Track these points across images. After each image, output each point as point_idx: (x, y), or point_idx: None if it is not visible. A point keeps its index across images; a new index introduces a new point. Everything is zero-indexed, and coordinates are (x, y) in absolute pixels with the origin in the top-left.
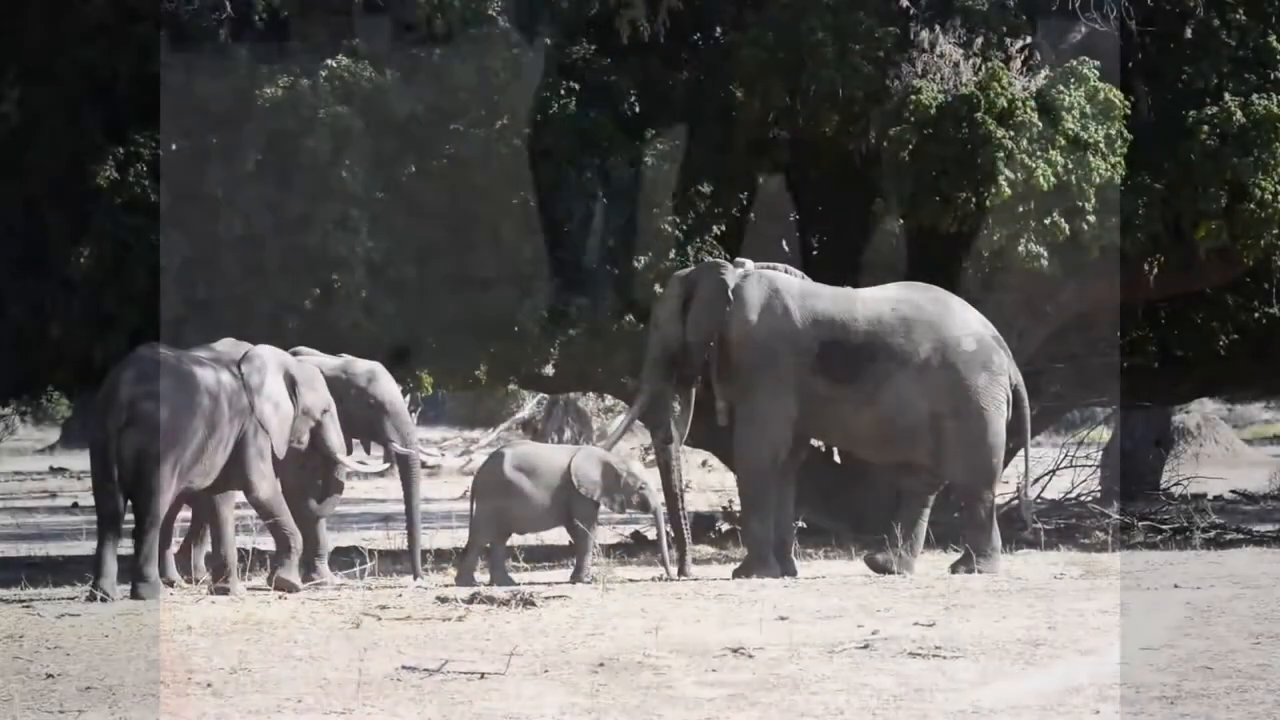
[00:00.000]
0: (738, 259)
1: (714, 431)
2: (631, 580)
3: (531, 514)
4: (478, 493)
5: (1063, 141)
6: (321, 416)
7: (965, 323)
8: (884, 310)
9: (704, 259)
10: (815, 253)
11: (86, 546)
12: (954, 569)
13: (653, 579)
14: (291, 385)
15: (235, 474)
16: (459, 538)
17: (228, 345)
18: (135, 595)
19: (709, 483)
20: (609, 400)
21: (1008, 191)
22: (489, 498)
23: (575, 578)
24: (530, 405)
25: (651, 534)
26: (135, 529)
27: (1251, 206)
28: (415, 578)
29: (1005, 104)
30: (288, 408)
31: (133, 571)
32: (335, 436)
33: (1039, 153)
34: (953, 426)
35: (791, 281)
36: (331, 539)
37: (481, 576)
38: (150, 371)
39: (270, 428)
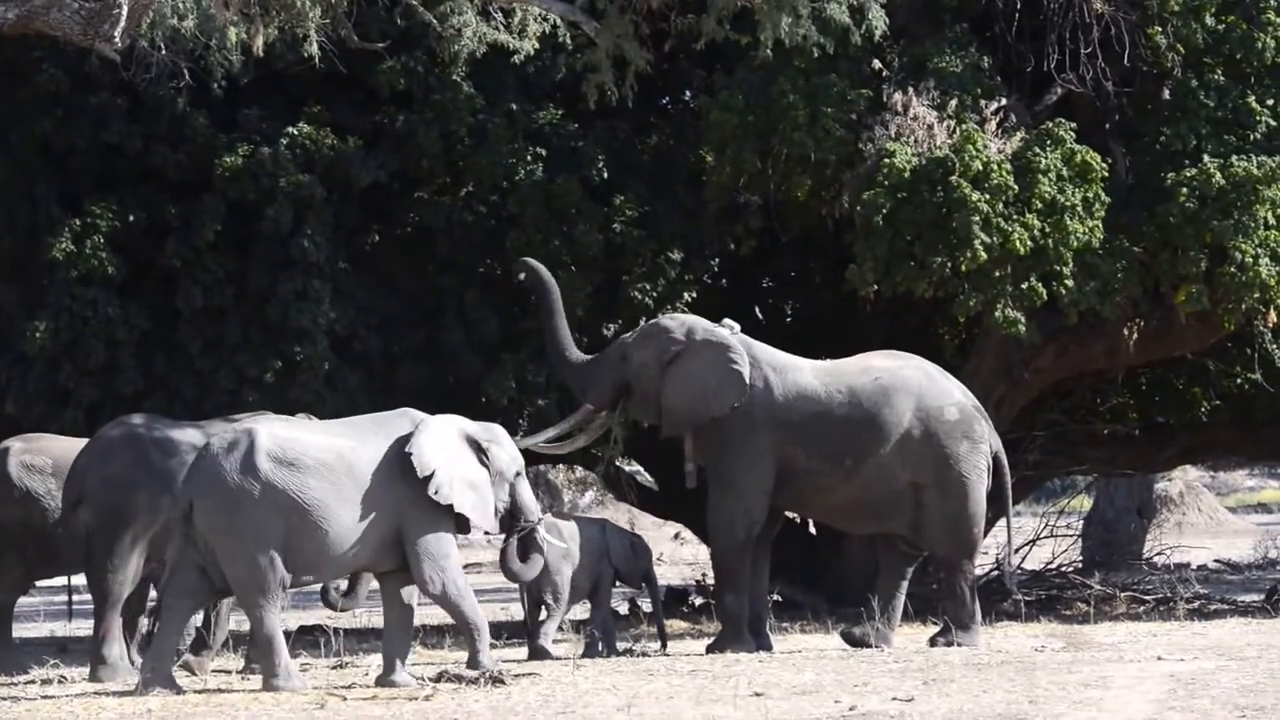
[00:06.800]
0: (726, 321)
1: (687, 504)
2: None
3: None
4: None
5: (1039, 205)
6: None
7: (947, 391)
8: (864, 381)
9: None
10: (789, 319)
11: (43, 628)
12: (933, 642)
13: (624, 651)
14: None
15: None
16: (430, 615)
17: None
18: (94, 678)
19: (682, 555)
20: (580, 472)
21: (984, 256)
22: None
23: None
24: None
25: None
26: (94, 609)
27: (1232, 270)
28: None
29: (980, 167)
30: None
31: (91, 653)
32: None
33: (1015, 216)
34: (934, 497)
35: (772, 353)
36: (295, 617)
37: (453, 654)
38: (110, 447)
39: None
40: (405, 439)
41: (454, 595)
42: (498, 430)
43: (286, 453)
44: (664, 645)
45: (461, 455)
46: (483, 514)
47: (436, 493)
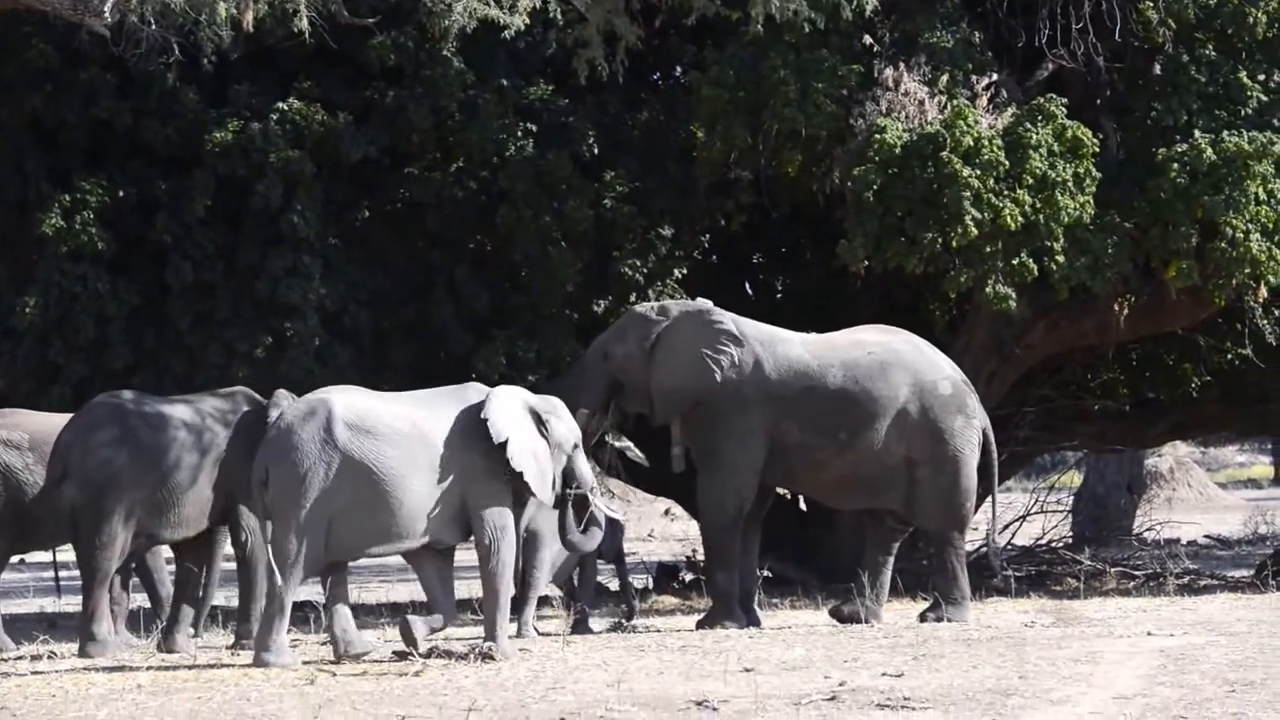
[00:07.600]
0: (700, 299)
1: (677, 479)
2: (593, 630)
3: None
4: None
5: (1030, 180)
6: None
7: (938, 366)
8: (858, 355)
9: (665, 299)
10: (779, 295)
11: (32, 604)
12: (923, 617)
13: (610, 628)
14: None
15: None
16: (416, 592)
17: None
18: (83, 654)
19: (672, 532)
20: None
21: (974, 231)
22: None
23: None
24: None
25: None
26: (82, 585)
27: (1223, 245)
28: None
29: (971, 142)
30: None
31: (80, 629)
32: None
33: (1006, 192)
34: (927, 472)
35: (759, 327)
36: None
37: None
38: (95, 422)
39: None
40: (476, 409)
41: (496, 569)
42: (556, 402)
43: (364, 421)
44: (631, 615)
45: (527, 425)
46: (541, 485)
47: (512, 459)
